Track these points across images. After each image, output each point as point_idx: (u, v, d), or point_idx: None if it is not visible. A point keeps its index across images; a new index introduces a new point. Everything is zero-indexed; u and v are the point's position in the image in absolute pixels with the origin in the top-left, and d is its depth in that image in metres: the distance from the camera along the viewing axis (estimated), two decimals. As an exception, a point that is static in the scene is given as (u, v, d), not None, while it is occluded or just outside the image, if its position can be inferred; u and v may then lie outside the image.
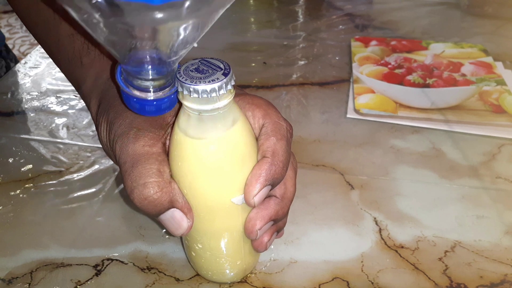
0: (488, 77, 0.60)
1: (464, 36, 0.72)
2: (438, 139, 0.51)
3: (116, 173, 0.47)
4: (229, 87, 0.26)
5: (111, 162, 0.48)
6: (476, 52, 0.66)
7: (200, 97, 0.26)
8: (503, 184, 0.45)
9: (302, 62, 0.67)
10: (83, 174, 0.47)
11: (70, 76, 0.39)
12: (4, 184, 0.46)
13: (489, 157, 0.48)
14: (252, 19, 0.84)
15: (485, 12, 0.78)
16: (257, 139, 0.31)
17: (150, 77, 0.26)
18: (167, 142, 0.31)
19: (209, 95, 0.26)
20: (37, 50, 0.72)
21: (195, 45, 0.26)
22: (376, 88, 0.59)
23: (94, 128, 0.54)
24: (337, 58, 0.68)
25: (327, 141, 0.51)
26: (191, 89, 0.26)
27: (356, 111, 0.55)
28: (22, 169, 0.48)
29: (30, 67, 0.68)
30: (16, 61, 0.75)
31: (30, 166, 0.49)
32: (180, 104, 0.28)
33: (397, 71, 0.62)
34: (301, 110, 0.57)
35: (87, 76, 0.37)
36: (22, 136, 0.53)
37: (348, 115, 0.55)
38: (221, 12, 0.24)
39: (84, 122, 0.55)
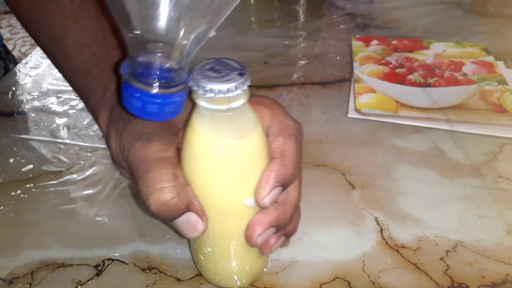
0: (490, 77, 0.60)
1: (466, 35, 0.71)
2: (440, 139, 0.51)
3: (117, 173, 0.47)
4: (245, 87, 0.26)
5: (112, 162, 0.48)
6: (478, 51, 0.66)
7: (216, 96, 0.25)
8: (505, 183, 0.45)
9: (303, 62, 0.67)
10: (84, 174, 0.47)
11: (76, 86, 0.39)
12: (4, 184, 0.46)
13: (491, 157, 0.48)
14: (253, 19, 0.83)
15: (487, 11, 0.78)
16: None
17: (159, 70, 0.26)
18: (179, 147, 0.30)
19: (225, 95, 0.25)
20: (37, 50, 0.72)
21: (213, 33, 0.26)
22: (377, 87, 0.59)
23: (94, 128, 0.54)
24: (338, 58, 0.68)
25: (328, 141, 0.51)
26: (207, 88, 0.25)
27: (357, 110, 0.55)
28: (23, 169, 0.48)
29: (30, 67, 0.68)
30: (15, 62, 0.75)
31: (31, 166, 0.49)
32: (194, 104, 0.27)
33: (398, 70, 0.62)
34: (302, 109, 0.57)
35: (97, 87, 0.36)
36: (22, 136, 0.53)
37: (349, 115, 0.55)
38: None
39: (84, 122, 0.55)
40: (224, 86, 0.25)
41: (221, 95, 0.25)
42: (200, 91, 0.26)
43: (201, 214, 0.29)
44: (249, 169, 0.28)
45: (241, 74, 0.26)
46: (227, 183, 0.28)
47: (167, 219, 0.29)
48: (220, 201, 0.29)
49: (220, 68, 0.27)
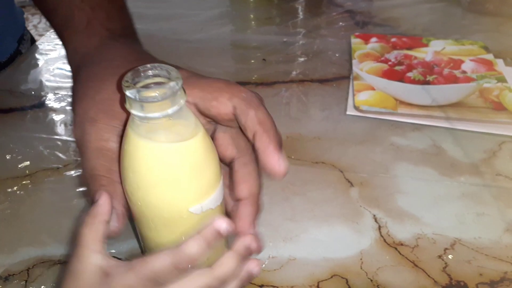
0: (489, 74, 0.60)
1: (465, 33, 0.71)
2: (439, 137, 0.51)
3: (114, 170, 0.47)
4: (178, 93, 0.25)
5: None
6: (477, 49, 0.66)
7: (146, 104, 0.24)
8: (504, 181, 0.45)
9: (302, 59, 0.67)
10: (81, 171, 0.47)
11: (61, 41, 0.42)
12: (1, 181, 0.46)
13: (490, 155, 0.48)
14: (252, 16, 0.83)
15: (486, 9, 0.78)
16: (230, 122, 0.30)
17: None
18: (121, 133, 0.31)
19: (156, 102, 0.24)
20: (35, 47, 0.72)
21: None
22: (376, 85, 0.59)
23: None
24: (337, 55, 0.67)
25: (327, 138, 0.51)
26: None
27: (356, 108, 0.55)
28: (20, 166, 0.48)
29: (28, 64, 0.67)
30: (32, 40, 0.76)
31: (28, 163, 0.48)
32: (128, 113, 0.26)
33: (397, 68, 0.62)
34: (301, 107, 0.57)
35: (67, 49, 0.40)
36: (19, 133, 0.53)
37: (348, 112, 0.55)
38: None
39: (82, 119, 0.55)
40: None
41: (151, 103, 0.24)
42: (131, 100, 0.24)
43: (121, 214, 0.31)
44: (192, 175, 0.27)
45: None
46: (169, 192, 0.27)
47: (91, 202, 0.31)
48: (164, 211, 0.28)
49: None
